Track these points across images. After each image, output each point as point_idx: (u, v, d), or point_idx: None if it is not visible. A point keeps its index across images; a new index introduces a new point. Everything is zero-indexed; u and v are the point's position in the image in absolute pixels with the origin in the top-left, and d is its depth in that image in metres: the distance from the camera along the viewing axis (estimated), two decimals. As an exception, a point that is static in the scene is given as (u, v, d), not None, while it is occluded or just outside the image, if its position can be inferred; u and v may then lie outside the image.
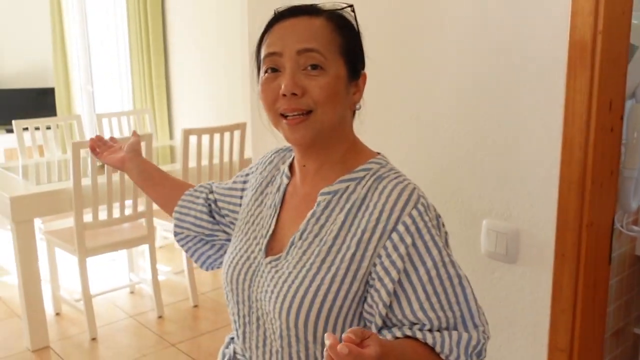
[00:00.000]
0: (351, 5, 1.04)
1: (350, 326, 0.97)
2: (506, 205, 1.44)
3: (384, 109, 1.69)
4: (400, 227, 0.93)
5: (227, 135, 3.52)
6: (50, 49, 6.27)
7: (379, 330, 0.95)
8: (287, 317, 0.97)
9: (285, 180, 1.11)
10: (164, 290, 3.63)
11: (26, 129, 4.07)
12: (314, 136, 0.98)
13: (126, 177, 3.09)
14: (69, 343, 3.12)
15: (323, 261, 0.97)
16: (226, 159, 3.52)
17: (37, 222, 3.63)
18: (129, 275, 3.79)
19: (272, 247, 1.06)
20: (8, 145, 5.99)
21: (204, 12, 4.60)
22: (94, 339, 3.13)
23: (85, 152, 3.05)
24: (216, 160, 3.50)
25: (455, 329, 0.94)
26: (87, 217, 3.03)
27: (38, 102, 6.34)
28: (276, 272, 1.01)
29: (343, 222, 0.98)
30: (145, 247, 3.42)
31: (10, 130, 5.85)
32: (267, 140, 1.53)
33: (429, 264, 0.93)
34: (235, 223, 1.20)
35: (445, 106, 1.55)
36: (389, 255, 0.93)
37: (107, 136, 3.28)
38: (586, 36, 1.26)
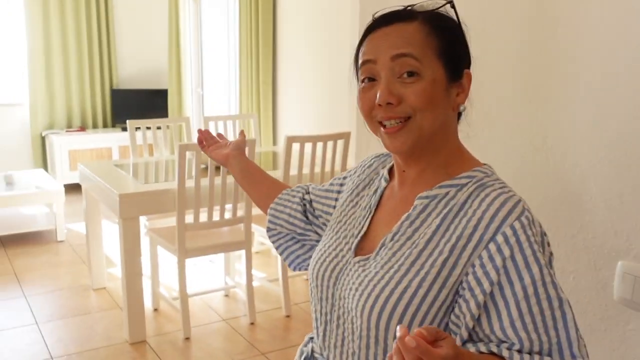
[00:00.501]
0: (450, 2, 1.00)
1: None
2: (648, 245, 1.26)
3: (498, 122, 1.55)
4: (499, 238, 0.88)
5: (330, 144, 3.47)
6: (166, 53, 6.54)
7: (464, 343, 0.90)
8: (368, 316, 0.95)
9: (384, 184, 1.10)
10: (258, 296, 3.62)
11: (138, 128, 4.22)
12: (414, 143, 0.97)
13: (228, 181, 3.15)
14: (164, 339, 3.17)
15: (412, 264, 0.94)
16: (328, 168, 3.47)
17: (142, 219, 3.74)
18: (224, 278, 3.82)
19: (362, 247, 1.05)
20: (122, 143, 6.30)
21: (314, 20, 4.59)
22: (187, 339, 3.17)
23: (190, 154, 3.10)
24: (318, 169, 3.46)
25: (550, 355, 0.86)
26: (188, 218, 3.07)
27: (151, 103, 6.62)
28: (363, 271, 0.99)
29: (438, 227, 0.95)
30: (242, 252, 3.44)
31: (125, 129, 6.15)
32: (371, 151, 1.43)
33: (527, 280, 0.86)
34: (328, 224, 1.21)
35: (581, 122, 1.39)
36: (483, 266, 0.89)
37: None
38: None
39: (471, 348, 0.89)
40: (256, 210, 3.47)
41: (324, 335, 1.07)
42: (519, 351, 0.86)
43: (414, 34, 0.95)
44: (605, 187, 1.33)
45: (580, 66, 1.36)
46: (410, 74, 0.94)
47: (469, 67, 1.01)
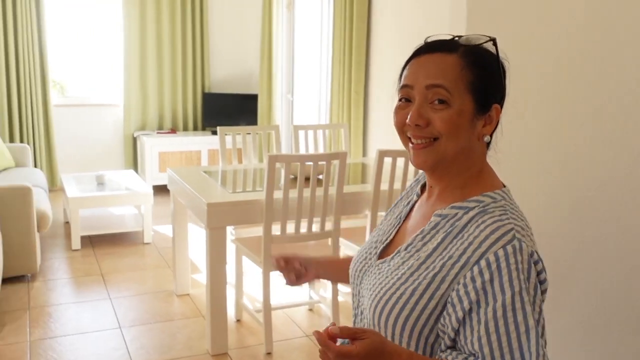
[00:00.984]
0: (493, 39, 1.08)
1: (427, 338, 1.05)
2: None
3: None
4: (483, 262, 0.98)
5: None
6: (258, 58, 6.54)
7: (447, 348, 1.03)
8: (373, 314, 1.10)
9: (415, 197, 1.23)
10: (342, 312, 3.48)
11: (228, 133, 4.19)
12: (434, 162, 1.08)
13: (317, 194, 3.03)
14: (245, 353, 3.09)
15: (411, 274, 1.07)
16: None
17: (229, 227, 3.69)
18: (309, 292, 3.70)
19: (386, 252, 1.18)
20: (212, 146, 6.34)
21: (408, 34, 4.42)
22: (269, 354, 3.07)
23: (280, 165, 3.00)
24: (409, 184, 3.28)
25: None
26: (275, 229, 2.98)
27: (242, 107, 6.65)
28: (379, 273, 1.13)
29: (439, 244, 1.06)
30: (328, 267, 3.30)
31: (215, 132, 6.19)
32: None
33: (499, 303, 0.96)
34: None
35: None
36: (465, 285, 0.99)
37: (301, 147, 3.23)
38: None
39: (449, 355, 1.02)
40: (345, 224, 3.34)
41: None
42: None
43: (450, 66, 1.05)
44: None
45: None
46: (441, 101, 1.05)
47: (499, 102, 1.09)
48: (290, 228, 3.04)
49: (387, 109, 4.76)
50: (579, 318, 1.86)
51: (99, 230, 4.76)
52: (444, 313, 1.02)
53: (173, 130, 6.56)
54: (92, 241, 4.80)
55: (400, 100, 1.12)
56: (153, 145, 6.19)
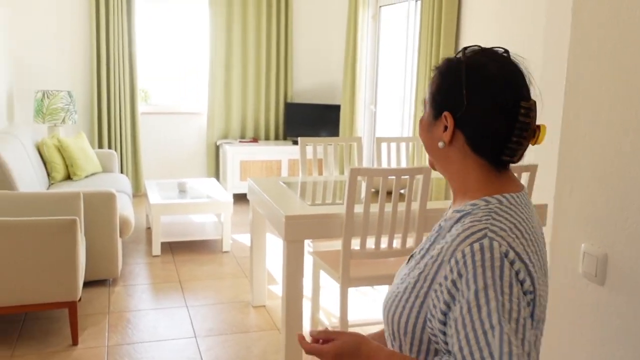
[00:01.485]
0: (464, 49, 1.13)
1: (421, 336, 1.05)
2: None
3: None
4: (452, 261, 1.00)
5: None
6: (341, 69, 6.48)
7: (447, 351, 1.01)
8: (383, 315, 1.14)
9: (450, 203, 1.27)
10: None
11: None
12: (431, 164, 1.18)
13: (399, 209, 2.90)
14: (319, 371, 2.98)
15: (408, 275, 1.11)
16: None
17: (307, 239, 3.61)
18: (387, 311, 3.56)
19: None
20: (292, 156, 6.32)
21: (498, 45, 4.20)
22: (344, 373, 2.95)
23: (361, 179, 2.88)
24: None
25: None
26: (354, 244, 2.86)
27: (324, 117, 6.60)
28: (398, 277, 1.17)
29: (430, 245, 1.11)
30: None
31: (296, 142, 6.16)
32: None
33: (464, 299, 0.96)
34: None
35: None
36: (440, 284, 1.01)
37: (383, 160, 3.14)
38: None
39: (435, 357, 1.04)
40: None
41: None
42: None
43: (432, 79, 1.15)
44: None
45: None
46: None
47: (452, 110, 1.08)
48: (370, 243, 2.91)
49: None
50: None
51: (179, 237, 4.81)
52: (428, 316, 1.03)
53: (255, 140, 6.59)
54: (171, 247, 4.86)
55: None
56: (235, 154, 6.24)
